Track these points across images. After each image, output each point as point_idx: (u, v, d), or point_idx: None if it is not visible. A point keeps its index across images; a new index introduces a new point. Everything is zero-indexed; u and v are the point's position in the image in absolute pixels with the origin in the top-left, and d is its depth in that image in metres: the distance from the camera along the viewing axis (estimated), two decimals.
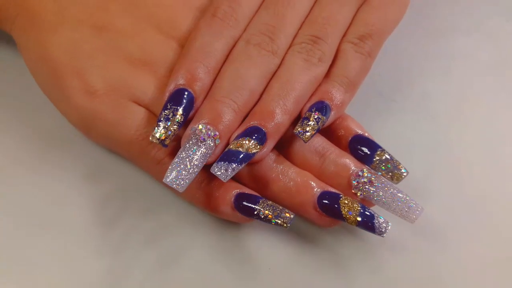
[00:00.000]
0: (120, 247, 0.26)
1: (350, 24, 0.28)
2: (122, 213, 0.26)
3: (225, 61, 0.26)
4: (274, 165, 0.26)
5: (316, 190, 0.25)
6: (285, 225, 0.24)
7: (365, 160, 0.26)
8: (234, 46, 0.27)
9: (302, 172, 0.26)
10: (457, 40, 0.34)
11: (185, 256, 0.25)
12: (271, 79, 0.26)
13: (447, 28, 0.35)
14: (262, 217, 0.24)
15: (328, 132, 0.27)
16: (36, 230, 0.26)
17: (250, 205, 0.24)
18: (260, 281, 0.25)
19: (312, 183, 0.25)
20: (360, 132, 0.27)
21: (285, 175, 0.25)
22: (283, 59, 0.27)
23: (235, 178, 0.26)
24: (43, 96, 0.28)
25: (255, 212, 0.24)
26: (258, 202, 0.24)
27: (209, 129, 0.24)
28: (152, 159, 0.26)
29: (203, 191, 0.25)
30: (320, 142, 0.26)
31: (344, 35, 0.28)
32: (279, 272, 0.25)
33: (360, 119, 0.27)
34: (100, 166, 0.28)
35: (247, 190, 0.25)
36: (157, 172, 0.26)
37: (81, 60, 0.26)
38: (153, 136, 0.24)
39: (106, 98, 0.26)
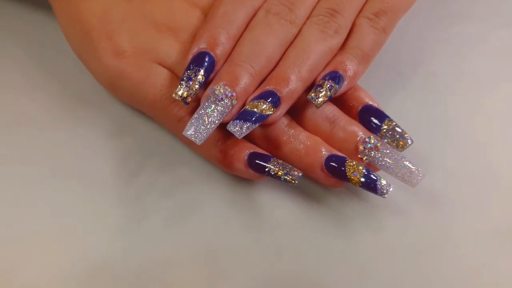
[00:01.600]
0: (139, 197, 0.27)
1: (367, 0, 0.29)
2: (143, 166, 0.28)
3: (245, 28, 0.28)
4: (286, 128, 0.27)
5: (324, 153, 0.26)
6: (293, 181, 0.25)
7: (373, 129, 0.27)
8: (254, 15, 0.28)
9: (312, 136, 0.27)
10: (471, 25, 0.35)
11: (199, 208, 0.27)
12: (288, 47, 0.28)
13: (462, 13, 0.35)
14: (273, 174, 0.26)
15: (340, 101, 0.29)
16: (63, 177, 0.28)
17: (262, 163, 0.26)
18: (267, 232, 0.27)
19: (321, 146, 0.27)
20: (370, 102, 0.28)
21: (296, 138, 0.27)
22: (300, 29, 0.28)
23: (249, 139, 0.28)
24: (75, 58, 0.30)
25: (266, 169, 0.26)
26: (270, 160, 0.26)
27: (227, 90, 0.25)
28: (173, 116, 0.27)
29: (219, 148, 0.27)
30: (331, 109, 0.28)
31: (360, 11, 0.29)
32: (285, 225, 0.27)
33: (371, 90, 0.29)
34: (125, 123, 0.30)
35: (260, 150, 0.27)
36: (177, 129, 0.27)
37: (111, 24, 0.28)
38: (176, 94, 0.26)
39: (132, 59, 0.27)
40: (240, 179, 0.28)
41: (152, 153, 0.29)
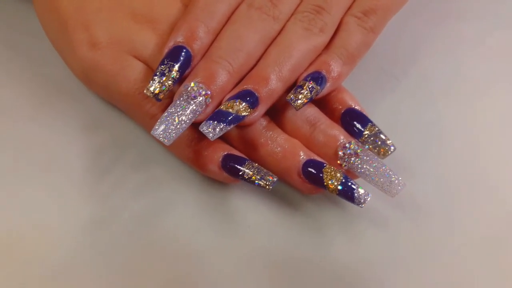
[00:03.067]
0: (110, 195, 0.26)
1: None
2: (115, 162, 0.27)
3: (226, 23, 0.27)
4: (264, 130, 0.26)
5: (302, 158, 0.25)
6: (267, 187, 0.24)
7: (355, 133, 0.26)
8: (236, 8, 0.27)
9: (291, 139, 0.26)
10: (467, 25, 0.34)
11: (170, 209, 0.26)
12: (270, 45, 0.26)
13: (457, 12, 0.34)
14: (246, 177, 0.24)
15: (322, 103, 0.28)
16: (34, 171, 0.27)
17: (236, 166, 0.25)
18: (239, 237, 0.26)
19: (299, 150, 0.25)
20: (353, 105, 0.27)
21: (273, 140, 0.26)
22: (284, 26, 0.27)
23: (225, 140, 0.27)
24: (51, 47, 0.29)
25: (240, 173, 0.25)
26: (244, 163, 0.25)
27: (201, 87, 0.24)
28: (146, 113, 0.26)
29: (193, 149, 0.26)
30: (313, 112, 0.27)
31: (348, 9, 0.28)
32: (258, 231, 0.26)
33: (358, 91, 0.28)
34: (99, 117, 0.29)
35: (235, 152, 0.26)
36: (150, 126, 0.26)
37: (88, 14, 0.27)
38: (148, 90, 0.24)
39: (108, 50, 0.26)
40: (215, 181, 0.27)
41: (125, 150, 0.28)
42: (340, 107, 0.27)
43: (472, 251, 0.26)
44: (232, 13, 0.27)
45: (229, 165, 0.25)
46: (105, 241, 0.25)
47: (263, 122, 0.26)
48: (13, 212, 0.26)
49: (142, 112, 0.26)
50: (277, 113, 0.27)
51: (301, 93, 0.25)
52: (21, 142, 0.28)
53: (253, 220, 0.26)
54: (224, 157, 0.25)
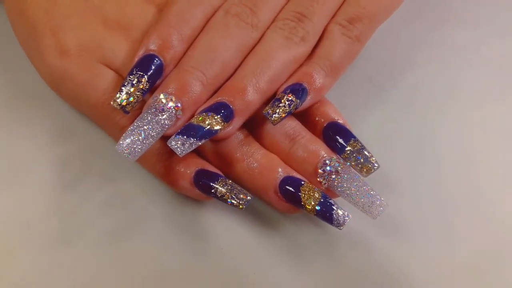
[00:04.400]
0: (77, 208, 0.25)
1: (341, 4, 0.27)
2: (82, 175, 0.26)
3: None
4: (240, 144, 0.25)
5: (280, 174, 0.24)
6: (240, 206, 0.23)
7: (337, 149, 0.25)
8: (213, 15, 0.25)
9: (269, 154, 0.25)
10: (460, 32, 0.32)
11: (139, 226, 0.25)
12: (248, 54, 0.25)
13: (450, 19, 0.33)
14: (219, 195, 0.23)
15: (304, 116, 0.26)
16: None
17: (208, 182, 0.23)
18: (210, 260, 0.24)
19: (277, 166, 0.24)
20: (336, 118, 0.25)
21: (250, 155, 0.24)
22: (263, 34, 0.25)
23: (200, 154, 0.25)
24: (20, 50, 0.27)
25: (212, 190, 0.23)
26: (217, 180, 0.23)
27: (171, 100, 0.23)
28: (115, 124, 0.25)
29: (164, 163, 0.25)
30: (293, 125, 0.25)
31: (333, 16, 0.26)
32: (231, 253, 0.24)
33: (345, 103, 0.27)
34: (67, 126, 0.28)
35: (209, 167, 0.24)
36: (119, 138, 0.25)
37: (58, 19, 0.26)
38: (115, 101, 0.23)
39: (77, 58, 0.25)
40: (187, 197, 0.25)
41: (94, 162, 0.27)
42: (323, 120, 0.26)
43: (456, 272, 0.24)
44: (208, 20, 0.25)
45: (202, 182, 0.24)
46: (70, 257, 0.24)
47: (240, 136, 0.25)
48: None
49: (111, 123, 0.25)
50: (255, 126, 0.25)
51: (279, 106, 0.24)
52: None
53: (227, 241, 0.25)
54: (197, 172, 0.24)
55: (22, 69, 0.29)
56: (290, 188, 0.23)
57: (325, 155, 0.24)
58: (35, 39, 0.26)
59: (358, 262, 0.24)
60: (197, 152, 0.25)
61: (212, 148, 0.25)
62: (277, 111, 0.24)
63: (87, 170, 0.26)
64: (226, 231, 0.25)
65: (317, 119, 0.26)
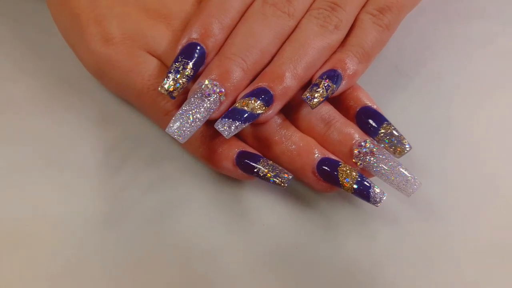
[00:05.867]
0: (122, 191, 0.26)
1: None
2: (127, 159, 0.27)
3: (240, 19, 0.26)
4: (279, 128, 0.26)
5: (317, 156, 0.25)
6: (282, 184, 0.24)
7: (370, 132, 0.26)
8: (251, 5, 0.26)
9: (306, 137, 0.26)
10: (479, 24, 0.33)
11: (183, 206, 0.26)
12: (284, 42, 0.26)
13: (470, 12, 0.34)
14: (262, 175, 0.24)
15: (337, 101, 0.27)
16: (45, 166, 0.27)
17: (251, 163, 0.25)
18: (253, 236, 0.25)
19: (314, 148, 0.25)
20: (369, 104, 0.27)
21: (288, 138, 0.26)
22: (299, 23, 0.26)
23: (239, 137, 0.26)
24: (63, 42, 0.29)
25: (255, 170, 0.24)
26: (259, 161, 0.25)
27: (215, 85, 0.24)
28: (160, 109, 0.26)
29: (207, 145, 0.26)
30: (327, 110, 0.26)
31: (363, 6, 0.28)
32: (272, 229, 0.26)
33: (371, 89, 0.27)
34: (111, 113, 0.29)
35: (250, 149, 0.26)
36: (164, 122, 0.26)
37: (101, 8, 0.27)
38: (162, 87, 0.24)
39: (121, 45, 0.26)
40: (228, 178, 0.27)
41: (138, 146, 0.28)
42: (355, 105, 0.27)
43: (485, 252, 0.26)
44: (246, 9, 0.26)
45: (244, 162, 0.25)
46: (116, 239, 0.25)
47: (278, 120, 0.26)
48: (23, 207, 0.26)
49: (156, 108, 0.26)
50: (291, 111, 0.27)
51: (317, 91, 0.25)
52: (33, 137, 0.28)
53: (267, 218, 0.26)
54: (239, 154, 0.25)
55: (63, 60, 0.30)
56: (328, 169, 0.25)
57: (359, 137, 0.26)
58: (79, 28, 0.27)
59: (390, 238, 0.26)
60: (237, 135, 0.26)
61: (251, 131, 0.26)
62: (316, 95, 0.25)
63: (131, 154, 0.27)
64: (266, 208, 0.26)
65: (350, 104, 0.27)
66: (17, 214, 0.26)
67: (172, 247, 0.25)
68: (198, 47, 0.25)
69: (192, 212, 0.26)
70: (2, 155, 0.27)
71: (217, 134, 0.26)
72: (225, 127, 0.23)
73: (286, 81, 0.25)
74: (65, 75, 0.30)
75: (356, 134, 0.26)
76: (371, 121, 0.26)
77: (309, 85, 0.26)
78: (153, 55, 0.27)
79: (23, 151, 0.27)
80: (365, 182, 0.24)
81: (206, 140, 0.26)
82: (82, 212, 0.26)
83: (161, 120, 0.26)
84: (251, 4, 0.26)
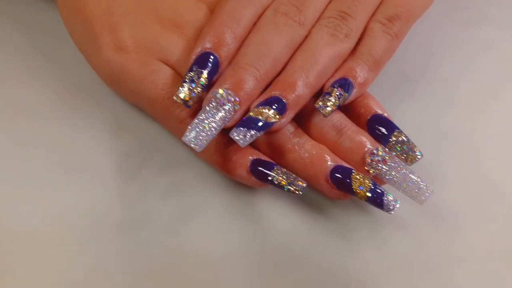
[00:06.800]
0: (138, 198, 0.27)
1: (380, 3, 0.28)
2: (141, 167, 0.28)
3: (252, 28, 0.27)
4: (292, 136, 0.26)
5: (330, 164, 0.25)
6: (297, 192, 0.24)
7: (381, 139, 0.26)
8: (262, 14, 0.27)
9: (318, 145, 0.26)
10: (486, 30, 0.34)
11: (198, 213, 0.26)
12: (296, 50, 0.27)
13: (476, 18, 0.34)
14: (276, 183, 0.25)
15: (348, 109, 0.28)
16: (63, 171, 0.27)
17: (265, 170, 0.25)
18: (267, 242, 0.26)
19: (327, 156, 0.26)
20: (379, 111, 0.27)
21: (301, 146, 0.26)
22: (310, 32, 0.27)
23: (253, 145, 0.27)
24: (75, 50, 0.29)
25: (270, 178, 0.25)
26: (273, 168, 0.25)
27: (229, 94, 0.24)
28: (175, 118, 0.26)
29: (221, 153, 0.26)
30: (339, 118, 0.27)
31: (373, 14, 0.28)
32: (286, 235, 0.26)
33: (379, 96, 0.28)
34: (125, 121, 0.29)
35: (263, 157, 0.26)
36: (178, 131, 0.26)
37: (115, 16, 0.27)
38: (177, 96, 0.24)
39: (135, 54, 0.26)
40: (242, 185, 0.27)
41: (152, 153, 0.28)
42: (366, 113, 0.27)
43: (497, 259, 0.26)
44: (258, 18, 0.27)
45: (258, 170, 0.25)
46: (133, 245, 0.25)
47: (290, 128, 0.26)
48: (41, 213, 0.26)
49: (170, 117, 0.26)
50: (303, 119, 0.27)
51: (330, 100, 0.25)
52: (50, 143, 0.28)
53: (281, 225, 0.26)
54: (253, 162, 0.26)
55: (76, 67, 0.30)
56: (341, 177, 0.25)
57: (371, 145, 0.26)
58: (92, 36, 0.27)
59: (404, 245, 0.26)
60: (250, 143, 0.26)
61: (264, 139, 0.26)
62: (329, 104, 0.25)
63: (147, 161, 0.28)
64: (280, 215, 0.26)
65: (361, 112, 0.27)
66: (35, 221, 0.26)
67: (188, 253, 0.25)
68: (212, 57, 0.25)
69: (207, 219, 0.26)
70: (18, 164, 0.27)
71: (231, 142, 0.26)
72: (241, 136, 0.24)
73: (298, 90, 0.25)
74: (78, 83, 0.30)
75: (368, 142, 0.26)
76: (382, 129, 0.26)
77: (320, 93, 0.26)
78: (166, 64, 0.27)
79: (41, 157, 0.28)
80: (379, 190, 0.24)
81: (221, 148, 0.26)
82: (100, 218, 0.26)
83: (175, 128, 0.27)
84: (262, 13, 0.27)
